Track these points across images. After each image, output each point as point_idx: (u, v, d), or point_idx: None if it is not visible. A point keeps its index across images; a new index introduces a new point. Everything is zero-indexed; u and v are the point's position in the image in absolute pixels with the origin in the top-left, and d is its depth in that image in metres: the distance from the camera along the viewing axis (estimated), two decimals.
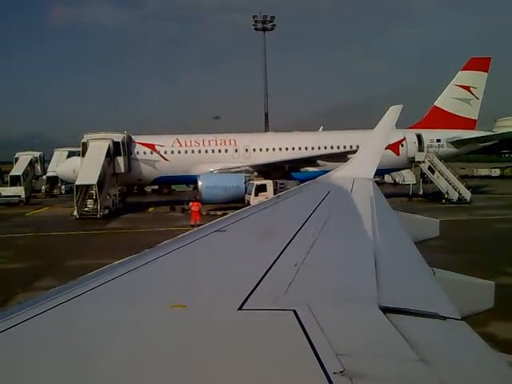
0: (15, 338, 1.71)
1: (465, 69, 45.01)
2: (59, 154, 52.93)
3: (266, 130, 63.29)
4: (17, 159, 50.88)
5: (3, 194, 45.76)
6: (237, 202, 32.33)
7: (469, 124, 44.39)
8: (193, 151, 40.87)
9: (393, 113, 9.73)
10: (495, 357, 1.61)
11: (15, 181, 47.64)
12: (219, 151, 41.17)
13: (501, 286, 3.60)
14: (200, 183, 35.37)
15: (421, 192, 41.69)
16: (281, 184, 33.91)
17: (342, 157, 28.23)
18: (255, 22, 71.42)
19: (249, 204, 26.46)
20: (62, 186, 53.79)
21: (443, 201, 36.88)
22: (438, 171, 38.32)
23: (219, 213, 28.54)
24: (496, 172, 63.54)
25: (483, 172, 64.12)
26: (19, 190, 46.03)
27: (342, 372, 1.32)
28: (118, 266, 2.74)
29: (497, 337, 9.62)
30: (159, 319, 1.85)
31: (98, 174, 34.56)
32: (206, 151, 41.02)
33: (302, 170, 39.00)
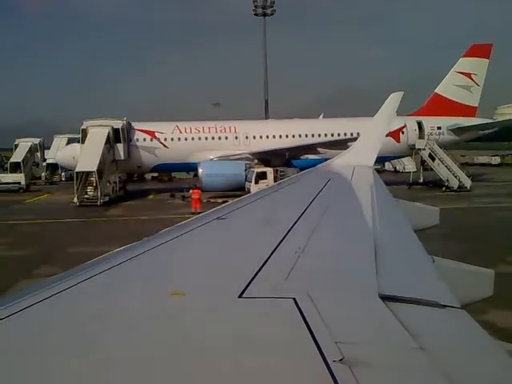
0: (15, 326, 1.71)
1: (466, 55, 44.75)
2: (59, 141, 52.79)
3: (267, 117, 63.12)
4: (16, 146, 50.81)
5: (3, 181, 45.74)
6: (237, 189, 32.34)
7: (469, 111, 44.25)
8: (193, 138, 40.77)
9: (393, 100, 9.68)
10: (494, 345, 1.62)
11: (15, 167, 47.61)
12: (219, 138, 41.07)
13: (500, 275, 3.61)
14: (200, 170, 35.34)
15: (421, 180, 41.67)
16: (281, 171, 33.90)
17: (342, 144, 28.12)
18: (255, 7, 70.86)
19: (249, 191, 26.46)
20: (62, 173, 53.77)
21: (443, 188, 36.90)
22: (439, 159, 38.28)
23: (219, 200, 28.53)
24: (496, 160, 63.53)
25: (483, 159, 64.09)
26: (19, 177, 46.01)
27: (341, 360, 1.33)
28: (118, 253, 2.74)
29: (496, 325, 9.67)
30: (159, 307, 1.85)
31: (98, 160, 34.52)
32: (206, 138, 40.92)
33: (302, 157, 38.94)
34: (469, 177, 37.62)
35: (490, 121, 47.62)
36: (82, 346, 1.54)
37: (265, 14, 70.87)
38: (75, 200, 33.86)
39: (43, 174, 53.95)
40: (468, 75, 44.35)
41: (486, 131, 46.64)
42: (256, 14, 71.22)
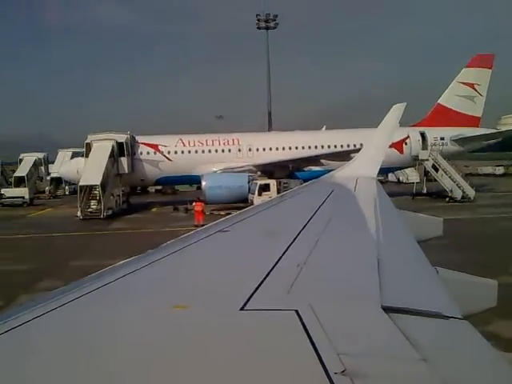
0: (18, 339, 1.72)
1: (469, 66, 44.88)
2: (63, 155, 53.11)
3: (270, 129, 63.25)
4: (21, 160, 51.10)
5: (7, 196, 45.95)
6: (240, 201, 32.37)
7: (473, 121, 44.27)
8: (196, 151, 40.91)
9: (396, 111, 9.71)
10: (498, 356, 1.61)
11: (19, 182, 47.81)
12: (222, 151, 41.19)
13: (505, 286, 3.59)
14: (203, 183, 35.41)
15: (424, 190, 41.61)
16: (284, 183, 33.89)
17: (345, 156, 28.22)
18: (258, 20, 71.36)
19: (252, 204, 26.46)
20: (66, 187, 54.00)
21: (447, 199, 36.81)
22: (442, 169, 38.25)
23: (223, 213, 28.55)
24: (500, 170, 63.40)
25: (487, 170, 64.00)
26: (23, 192, 46.21)
27: (343, 372, 1.32)
28: (122, 266, 2.75)
29: (500, 336, 9.58)
30: (162, 320, 1.85)
31: (102, 174, 34.67)
32: (210, 151, 41.04)
33: (305, 169, 38.95)
34: (472, 187, 37.54)
35: (493, 131, 47.61)
36: (84, 359, 1.54)
37: (268, 28, 71.34)
38: (79, 214, 33.94)
39: (47, 188, 54.18)
40: (471, 85, 44.45)
41: (490, 141, 46.60)
42: (259, 28, 71.74)
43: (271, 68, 74.06)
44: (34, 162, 50.66)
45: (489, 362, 1.55)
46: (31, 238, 26.95)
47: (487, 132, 45.55)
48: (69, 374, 1.44)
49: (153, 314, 1.92)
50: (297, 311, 1.80)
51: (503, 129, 54.05)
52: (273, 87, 75.76)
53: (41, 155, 52.96)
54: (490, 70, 44.52)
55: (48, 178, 54.06)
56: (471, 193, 36.90)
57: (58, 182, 53.62)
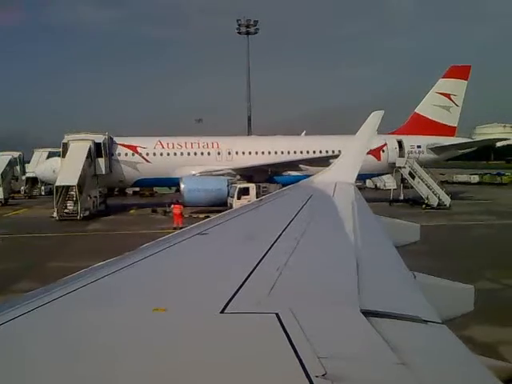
0: None
1: (445, 76, 45.72)
2: (39, 155, 52.30)
3: (249, 133, 63.39)
4: None
5: None
6: (219, 204, 32.30)
7: (449, 131, 45.09)
8: (175, 154, 40.72)
9: (374, 118, 9.81)
10: (475, 360, 1.63)
11: None
12: (202, 154, 41.09)
13: (480, 290, 3.65)
14: (182, 186, 35.25)
15: (401, 197, 42.13)
16: (263, 187, 33.96)
17: (324, 161, 28.41)
18: (239, 25, 71.61)
19: (231, 207, 26.43)
20: (42, 187, 53.12)
21: (423, 206, 37.33)
22: (419, 177, 38.82)
23: (202, 215, 28.43)
24: (475, 178, 64.56)
25: (462, 178, 65.10)
26: None
27: (324, 375, 1.32)
28: (98, 268, 2.71)
29: (476, 340, 9.75)
30: (140, 323, 1.83)
31: (79, 175, 34.22)
32: (189, 154, 40.90)
33: (284, 173, 39.12)
34: (448, 195, 38.16)
35: (468, 140, 48.59)
36: (58, 361, 1.51)
37: (248, 33, 71.60)
38: (55, 214, 33.43)
39: (22, 188, 53.23)
40: (447, 96, 45.26)
41: (465, 150, 47.48)
42: (239, 33, 71.94)
43: (251, 73, 74.34)
44: (9, 161, 49.73)
45: (466, 365, 1.58)
46: (6, 238, 26.41)
47: (462, 141, 46.45)
48: (43, 377, 1.41)
49: (131, 318, 1.89)
50: (277, 314, 1.80)
51: (478, 138, 55.26)
52: (253, 92, 76.04)
53: (16, 154, 51.98)
54: (466, 81, 45.41)
55: (23, 177, 53.11)
56: (447, 200, 37.50)
57: (33, 181, 52.72)
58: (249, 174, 38.84)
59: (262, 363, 1.47)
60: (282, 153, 41.65)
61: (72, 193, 34.02)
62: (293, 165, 38.98)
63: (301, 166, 38.25)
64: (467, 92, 45.59)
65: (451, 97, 45.25)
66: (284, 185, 21.39)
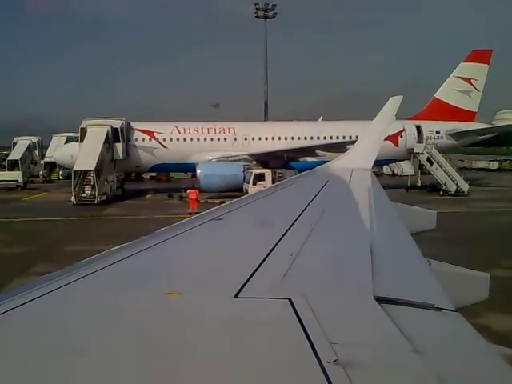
0: (9, 324, 1.71)
1: (466, 61, 44.86)
2: (57, 140, 52.71)
3: (266, 118, 63.10)
4: (15, 144, 50.73)
5: (0, 179, 45.64)
6: (235, 190, 32.33)
7: (468, 116, 44.35)
8: (191, 139, 40.75)
9: (393, 104, 9.69)
10: (488, 348, 1.62)
11: (13, 165, 47.50)
12: (218, 139, 41.06)
13: (495, 278, 3.62)
14: (198, 171, 35.32)
15: (419, 183, 41.74)
16: (279, 173, 33.89)
17: (340, 147, 28.18)
18: (257, 9, 70.84)
19: (247, 193, 26.46)
20: (60, 172, 53.69)
21: (441, 192, 36.94)
22: (437, 163, 38.35)
23: (217, 201, 28.52)
24: (494, 165, 63.64)
25: (481, 164, 64.22)
26: (17, 175, 45.93)
27: (335, 361, 1.33)
28: (115, 252, 2.74)
29: (490, 328, 9.68)
30: (155, 306, 1.85)
31: (96, 159, 34.50)
32: (205, 139, 40.90)
33: (300, 159, 38.93)
34: (466, 181, 37.68)
35: (488, 126, 47.73)
36: (76, 344, 1.54)
37: (266, 17, 70.82)
38: (72, 199, 33.81)
39: (41, 173, 53.87)
40: (468, 80, 44.45)
41: (485, 136, 46.71)
42: (257, 17, 71.20)
43: (269, 57, 73.70)
44: (28, 145, 50.32)
45: (480, 353, 1.57)
46: (25, 221, 26.85)
47: (482, 127, 45.65)
48: (57, 361, 1.44)
49: (146, 301, 1.91)
50: (290, 300, 1.80)
51: (498, 124, 54.21)
52: (270, 77, 75.42)
53: (35, 139, 52.58)
54: (487, 66, 44.51)
55: (42, 162, 53.74)
56: (465, 187, 37.04)
57: (51, 166, 53.30)
58: (265, 159, 38.76)
59: (274, 348, 1.48)
60: (299, 138, 41.43)
61: (90, 177, 34.34)
62: (309, 150, 38.78)
63: (317, 151, 38.05)
64: (488, 76, 44.75)
65: (472, 81, 44.44)
66: (300, 171, 21.36)
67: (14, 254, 18.40)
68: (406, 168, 49.67)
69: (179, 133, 40.74)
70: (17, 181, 45.56)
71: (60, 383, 1.31)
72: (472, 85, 44.51)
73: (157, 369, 1.36)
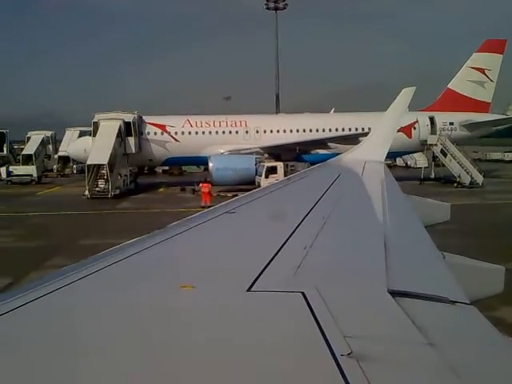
0: (28, 314, 1.74)
1: (480, 51, 44.24)
2: (71, 134, 53.04)
3: (277, 111, 62.87)
4: (28, 138, 51.16)
5: (15, 173, 46.10)
6: (247, 183, 32.34)
7: (482, 107, 43.78)
8: (203, 132, 40.78)
9: (406, 95, 9.62)
10: (504, 341, 1.61)
11: (27, 160, 47.95)
12: (230, 132, 41.04)
13: (510, 271, 3.58)
14: (211, 164, 35.37)
15: (432, 175, 41.39)
16: (291, 166, 33.84)
17: (353, 139, 27.99)
18: (267, 1, 70.43)
19: (259, 186, 26.45)
20: (74, 166, 54.08)
21: (455, 184, 36.62)
22: (451, 154, 37.99)
23: (229, 194, 28.56)
24: (509, 156, 62.89)
25: (496, 156, 63.48)
26: (31, 169, 46.34)
27: (349, 354, 1.33)
28: (129, 245, 2.77)
29: (506, 322, 9.61)
30: (169, 299, 1.86)
31: (109, 153, 34.68)
32: (217, 132, 40.91)
33: (312, 152, 38.81)
34: (481, 173, 37.29)
35: (503, 117, 47.09)
36: (93, 336, 1.56)
37: (276, 9, 70.38)
38: (86, 192, 34.07)
39: (55, 167, 54.29)
40: (481, 70, 43.86)
41: (499, 127, 46.13)
42: (268, 8, 70.79)
43: (280, 49, 73.29)
44: (42, 140, 50.72)
45: (495, 347, 1.56)
46: (40, 215, 27.13)
47: (497, 118, 45.04)
48: (76, 351, 1.46)
49: (160, 294, 1.93)
50: (303, 293, 1.80)
51: None
52: (281, 69, 74.98)
53: (48, 133, 52.99)
54: (501, 56, 43.86)
55: (56, 156, 54.16)
56: (479, 178, 36.67)
57: (65, 160, 53.69)
58: (277, 152, 38.68)
59: (287, 341, 1.49)
60: (311, 131, 41.26)
61: (103, 171, 34.54)
62: (321, 143, 38.63)
63: (329, 144, 37.88)
64: (502, 66, 44.11)
65: (486, 71, 43.84)
66: (312, 163, 21.28)
67: (30, 248, 18.62)
68: (420, 160, 49.28)
69: (191, 126, 40.79)
70: (31, 175, 45.97)
71: (83, 370, 1.32)
72: (486, 75, 43.91)
73: (172, 360, 1.37)
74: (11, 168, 47.16)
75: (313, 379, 1.27)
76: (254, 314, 1.71)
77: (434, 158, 42.01)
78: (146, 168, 48.98)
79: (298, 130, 41.34)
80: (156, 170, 51.92)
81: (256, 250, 2.67)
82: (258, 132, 41.09)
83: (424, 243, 3.00)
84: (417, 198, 5.93)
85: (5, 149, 53.90)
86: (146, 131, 40.22)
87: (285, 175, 28.77)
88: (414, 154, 49.13)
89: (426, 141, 39.95)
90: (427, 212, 5.21)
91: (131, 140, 38.29)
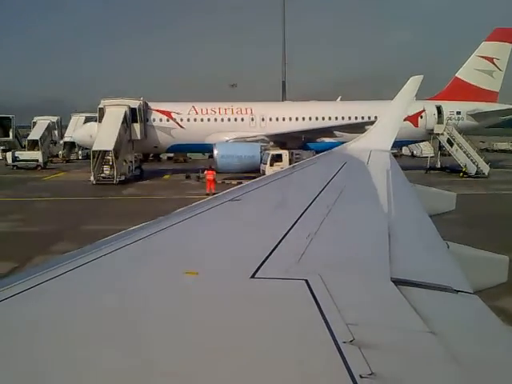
0: (33, 298, 1.75)
1: (489, 39, 43.73)
2: (76, 120, 53.05)
3: (283, 98, 62.57)
4: (34, 124, 51.19)
5: (21, 158, 46.22)
6: (252, 171, 32.30)
7: (490, 96, 43.39)
8: (209, 119, 40.67)
9: (413, 84, 9.54)
10: (506, 331, 1.61)
11: (33, 145, 48.04)
12: (235, 120, 40.90)
13: None
14: (215, 152, 35.31)
15: (438, 165, 41.19)
16: (296, 154, 33.71)
17: (359, 128, 27.86)
18: None
19: (264, 174, 26.43)
20: (79, 152, 54.18)
21: (461, 174, 36.45)
22: (457, 144, 37.77)
23: (234, 182, 28.56)
24: None
25: (503, 146, 63.07)
26: (37, 155, 46.45)
27: (351, 341, 1.34)
28: (133, 231, 2.78)
29: (509, 311, 9.62)
30: (173, 285, 1.87)
31: (115, 140, 34.67)
32: (222, 119, 40.79)
33: (318, 140, 38.63)
34: (487, 163, 37.08)
35: (510, 107, 46.68)
36: (97, 321, 1.57)
37: None
38: (92, 178, 34.15)
39: (60, 152, 54.40)
40: (490, 60, 43.41)
41: (507, 117, 45.77)
42: None
43: (287, 36, 72.75)
44: (48, 125, 50.74)
45: (497, 336, 1.56)
46: (46, 201, 27.25)
47: (505, 107, 44.65)
48: (80, 335, 1.47)
49: (164, 280, 1.94)
50: (306, 281, 1.81)
51: None
52: (288, 56, 74.43)
53: (54, 119, 52.97)
54: (511, 45, 43.36)
55: (61, 142, 54.23)
56: (486, 168, 36.47)
57: (71, 146, 53.76)
58: (282, 140, 38.56)
59: (290, 328, 1.49)
60: (317, 119, 41.06)
61: (108, 157, 34.58)
62: (327, 131, 38.44)
63: (335, 132, 37.70)
64: (511, 56, 43.62)
65: (494, 61, 43.38)
66: (318, 152, 21.21)
67: (35, 233, 18.73)
68: (426, 149, 49.04)
69: (196, 113, 40.68)
70: (37, 160, 46.08)
71: (85, 355, 1.34)
72: (494, 64, 43.46)
73: (176, 345, 1.38)
74: (17, 153, 47.26)
75: (315, 366, 1.28)
76: (257, 300, 1.72)
77: (441, 147, 41.77)
78: (151, 155, 49.01)
79: (303, 118, 41.14)
80: (161, 156, 51.94)
81: (260, 237, 2.68)
82: (263, 119, 40.93)
83: (428, 232, 2.99)
84: (422, 188, 5.91)
85: (11, 134, 54.04)
86: (152, 117, 40.14)
87: (290, 163, 28.71)
88: (420, 144, 48.87)
89: (432, 130, 39.67)
90: (432, 201, 5.20)
91: (137, 126, 38.25)
